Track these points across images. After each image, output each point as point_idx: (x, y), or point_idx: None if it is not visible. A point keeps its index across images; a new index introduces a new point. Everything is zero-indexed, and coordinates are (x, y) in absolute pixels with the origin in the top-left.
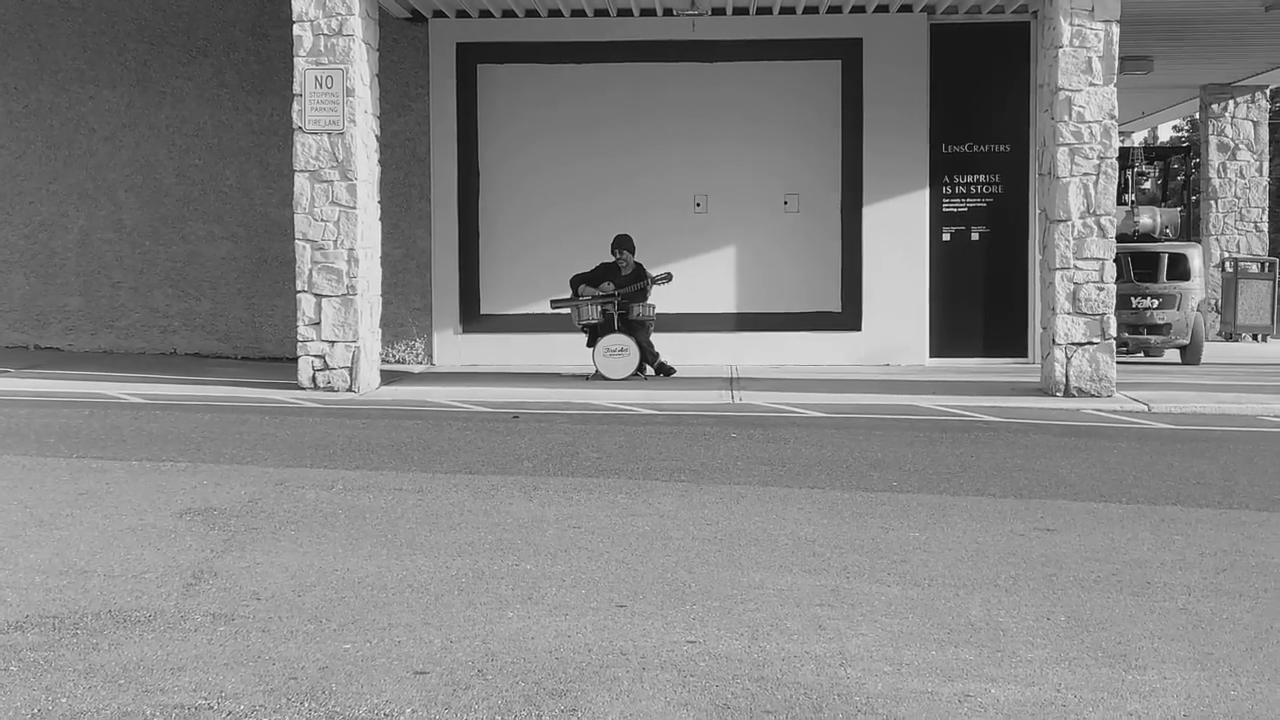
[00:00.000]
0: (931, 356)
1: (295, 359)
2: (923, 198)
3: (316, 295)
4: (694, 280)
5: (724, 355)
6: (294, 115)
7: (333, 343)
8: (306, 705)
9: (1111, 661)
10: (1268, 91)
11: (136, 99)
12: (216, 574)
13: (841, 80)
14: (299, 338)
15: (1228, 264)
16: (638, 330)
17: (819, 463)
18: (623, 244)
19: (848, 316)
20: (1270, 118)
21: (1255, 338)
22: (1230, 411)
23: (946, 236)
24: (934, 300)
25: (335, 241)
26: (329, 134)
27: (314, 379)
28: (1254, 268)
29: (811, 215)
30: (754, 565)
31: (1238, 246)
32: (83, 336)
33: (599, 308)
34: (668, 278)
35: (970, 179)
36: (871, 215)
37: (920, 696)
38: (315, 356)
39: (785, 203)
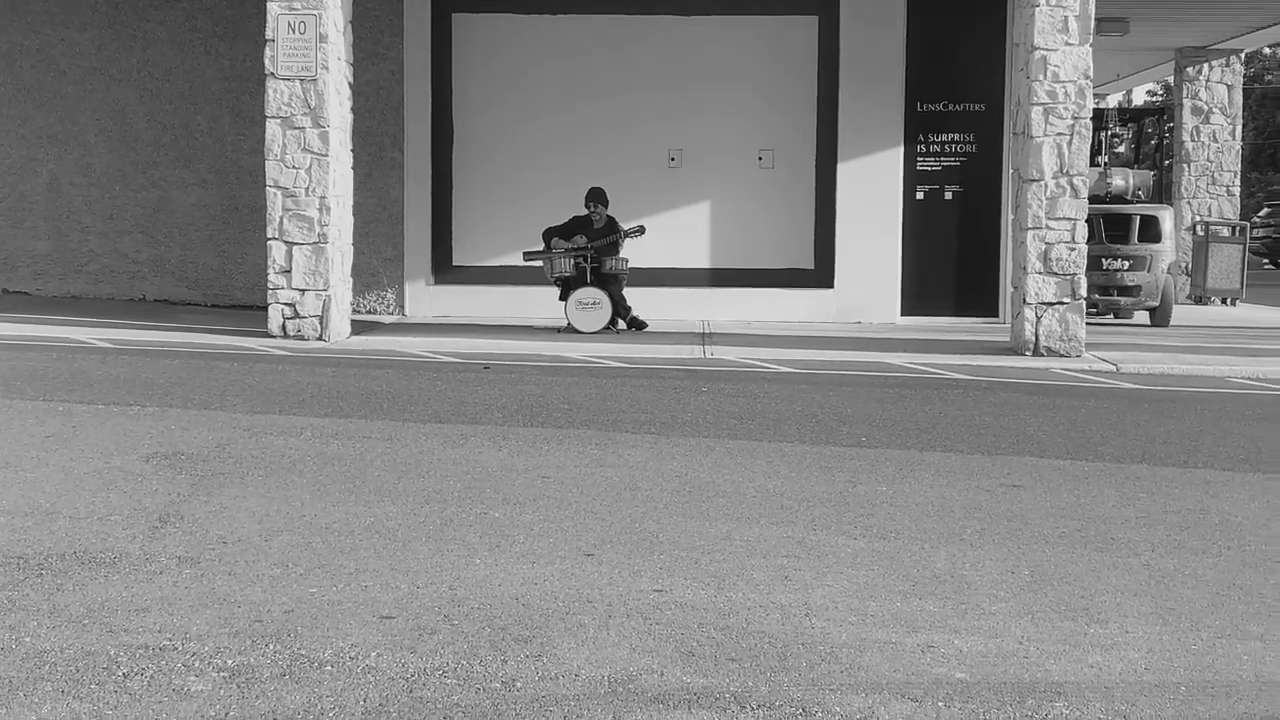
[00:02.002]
0: (903, 315)
1: (265, 307)
2: (897, 156)
3: (287, 243)
4: (667, 235)
5: (696, 310)
6: (266, 61)
7: (303, 291)
8: (271, 647)
9: (1074, 615)
10: (1242, 55)
11: (107, 42)
12: (183, 518)
13: (818, 36)
14: (269, 285)
15: (1199, 227)
16: (610, 284)
17: (788, 417)
18: (596, 197)
19: (820, 274)
20: (1244, 82)
21: (1224, 301)
22: (1197, 373)
23: (920, 195)
24: (906, 259)
25: (307, 189)
26: (301, 80)
27: (284, 327)
28: (1225, 231)
29: (786, 172)
30: (721, 517)
31: (1209, 210)
32: (51, 281)
33: (571, 260)
34: (641, 231)
35: (945, 138)
36: (846, 173)
37: (884, 647)
38: (285, 304)
39: (760, 159)
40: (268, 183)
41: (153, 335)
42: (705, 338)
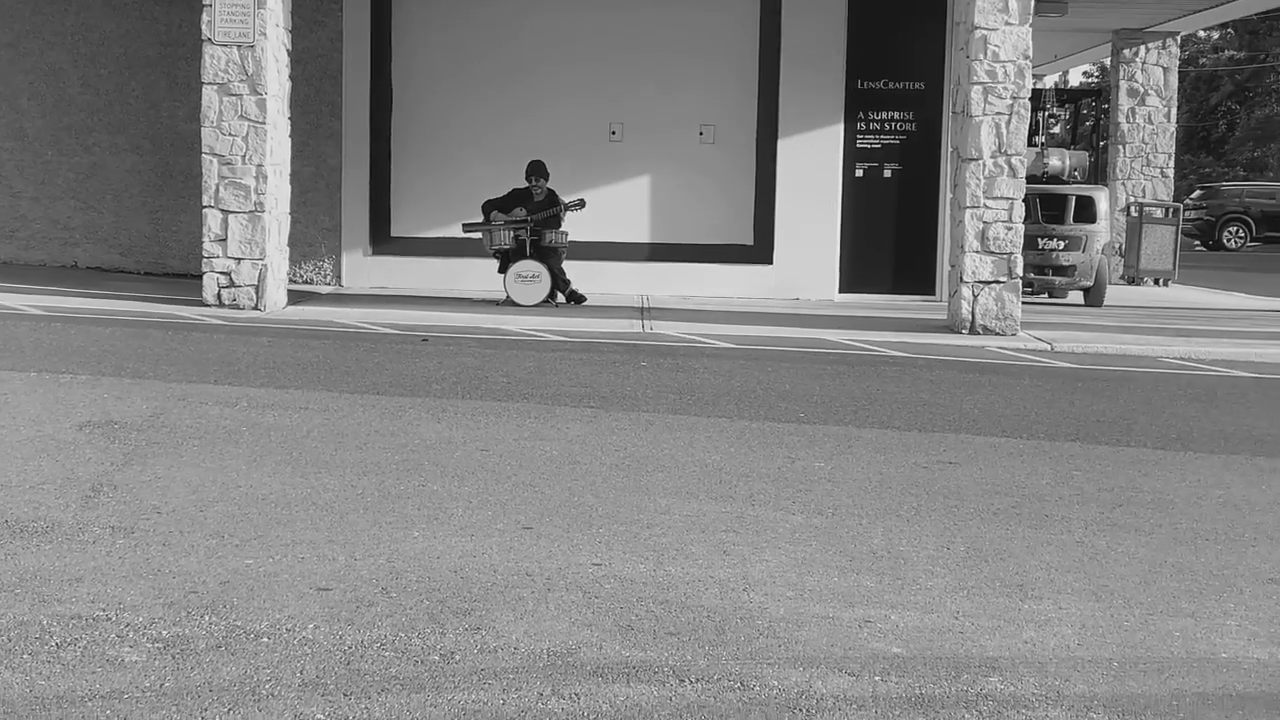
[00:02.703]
0: (841, 292)
1: (200, 275)
2: (837, 133)
3: (223, 211)
4: (608, 209)
5: (636, 285)
6: (203, 26)
7: (239, 260)
8: (206, 619)
9: (1009, 591)
10: (1179, 38)
11: (42, 5)
12: (116, 487)
13: (760, 12)
14: (204, 254)
15: (1133, 208)
16: (550, 257)
17: (727, 392)
18: (537, 170)
19: (759, 250)
20: (1180, 65)
21: (1157, 282)
22: (1131, 352)
23: (859, 173)
24: (845, 236)
25: (244, 157)
26: (239, 46)
27: (219, 296)
28: (1158, 213)
29: (726, 147)
30: (661, 491)
31: (1143, 191)
32: None
33: (511, 233)
34: (581, 204)
35: (885, 115)
36: (786, 149)
37: (821, 621)
38: (220, 273)
39: (700, 134)
40: (204, 150)
41: (85, 303)
42: (645, 312)
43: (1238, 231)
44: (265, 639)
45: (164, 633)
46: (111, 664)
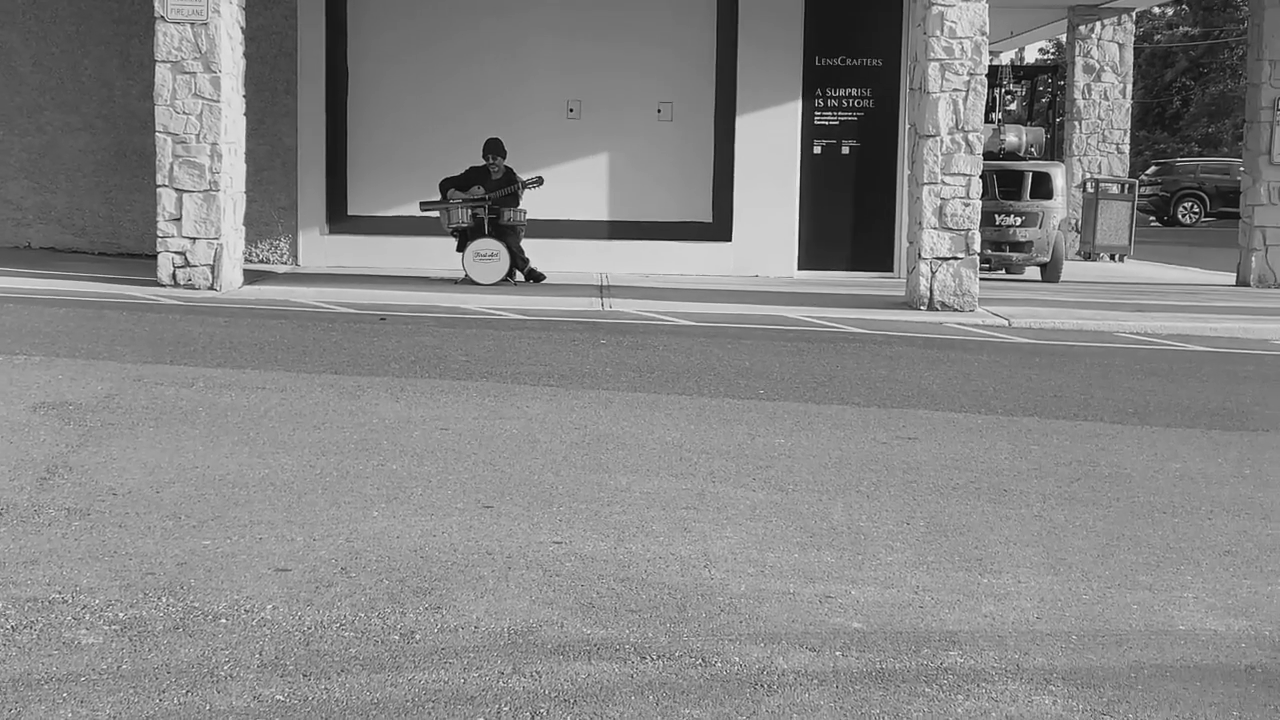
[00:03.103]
0: (800, 268)
1: (155, 255)
2: (795, 110)
3: (178, 190)
4: (566, 187)
5: (595, 263)
6: (156, 4)
7: (194, 239)
8: (164, 600)
9: (968, 565)
10: (1134, 14)
11: None
12: (72, 469)
13: None
14: (159, 234)
15: (1089, 184)
16: (508, 235)
17: (687, 370)
18: (494, 148)
19: (718, 227)
20: (1135, 41)
21: (1113, 257)
22: (1087, 327)
23: (817, 150)
24: (804, 213)
25: (198, 135)
26: (192, 24)
27: (174, 276)
28: (1114, 189)
29: (684, 124)
30: (621, 469)
31: (1099, 168)
32: None
33: (469, 211)
34: (539, 181)
35: (842, 92)
36: (744, 126)
37: (782, 597)
38: (176, 253)
39: (659, 111)
40: (158, 129)
41: (39, 283)
42: (604, 290)
43: (1192, 207)
44: (223, 620)
45: (121, 614)
46: (68, 646)
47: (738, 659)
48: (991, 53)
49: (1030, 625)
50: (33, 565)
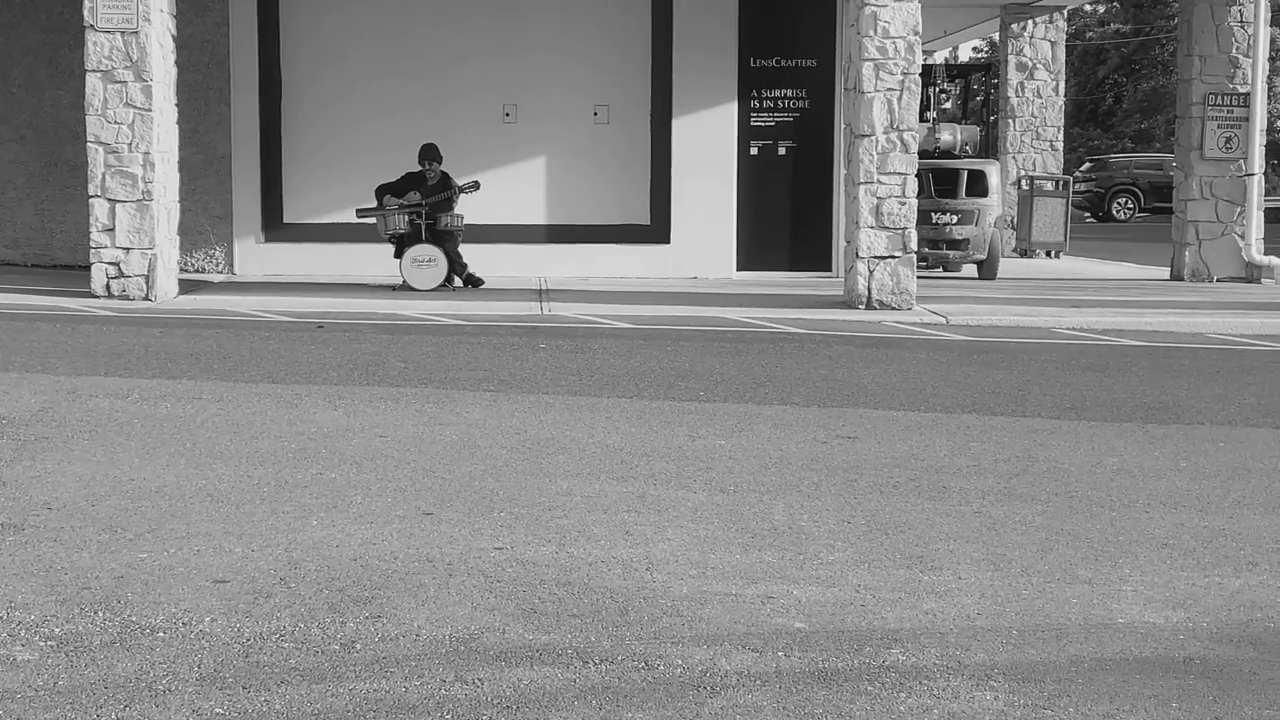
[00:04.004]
0: (739, 270)
1: (88, 267)
2: (731, 111)
3: (111, 200)
4: (503, 191)
5: (533, 267)
6: (85, 12)
7: (128, 250)
8: (100, 615)
9: (909, 563)
10: (1065, 12)
11: None
12: (5, 483)
13: None
14: (92, 244)
15: (1024, 182)
16: (445, 241)
17: (627, 373)
18: (429, 154)
19: (656, 229)
20: (1067, 39)
21: (1048, 254)
22: (1024, 324)
23: (754, 151)
24: (742, 214)
25: (130, 145)
26: (122, 33)
27: (108, 287)
28: (1049, 186)
29: (621, 127)
30: (562, 473)
31: (1034, 165)
32: None
33: (406, 217)
34: (475, 186)
35: (778, 93)
36: (681, 128)
37: (724, 599)
38: (109, 264)
39: (595, 114)
40: (89, 139)
41: None
42: (543, 294)
43: (1126, 203)
44: (161, 634)
45: (57, 630)
46: (3, 663)
47: (680, 662)
48: (925, 52)
49: (971, 621)
50: None
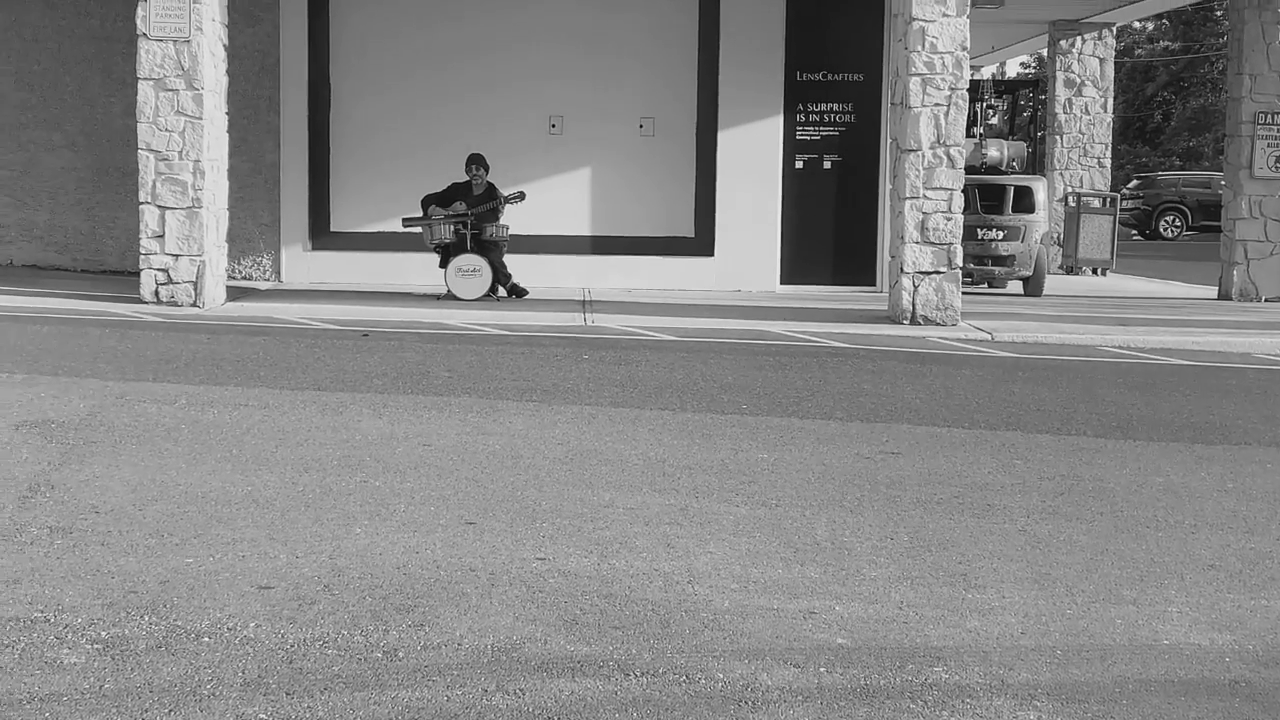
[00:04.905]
0: (782, 283)
1: (137, 273)
2: (777, 125)
3: (160, 207)
4: (548, 202)
5: (577, 278)
6: (138, 21)
7: (177, 256)
8: (147, 619)
9: (952, 580)
10: (1114, 29)
11: None
12: (54, 487)
13: (699, 4)
14: (142, 251)
15: (1071, 198)
16: (490, 250)
17: (670, 385)
18: (476, 162)
19: (701, 242)
20: (1116, 55)
21: (1095, 271)
22: (1070, 341)
23: (799, 164)
24: (786, 228)
25: (180, 152)
26: (175, 41)
27: (157, 293)
28: (1096, 203)
29: (666, 139)
30: (604, 484)
31: (1081, 181)
32: None
33: (451, 227)
34: (520, 196)
35: (824, 107)
36: (726, 141)
37: (766, 613)
38: (158, 270)
39: (641, 126)
40: (140, 146)
41: (21, 301)
42: (586, 305)
43: (1174, 221)
44: (206, 638)
45: (103, 634)
46: (50, 666)
47: (721, 676)
48: (973, 67)
49: (1015, 640)
50: (15, 584)
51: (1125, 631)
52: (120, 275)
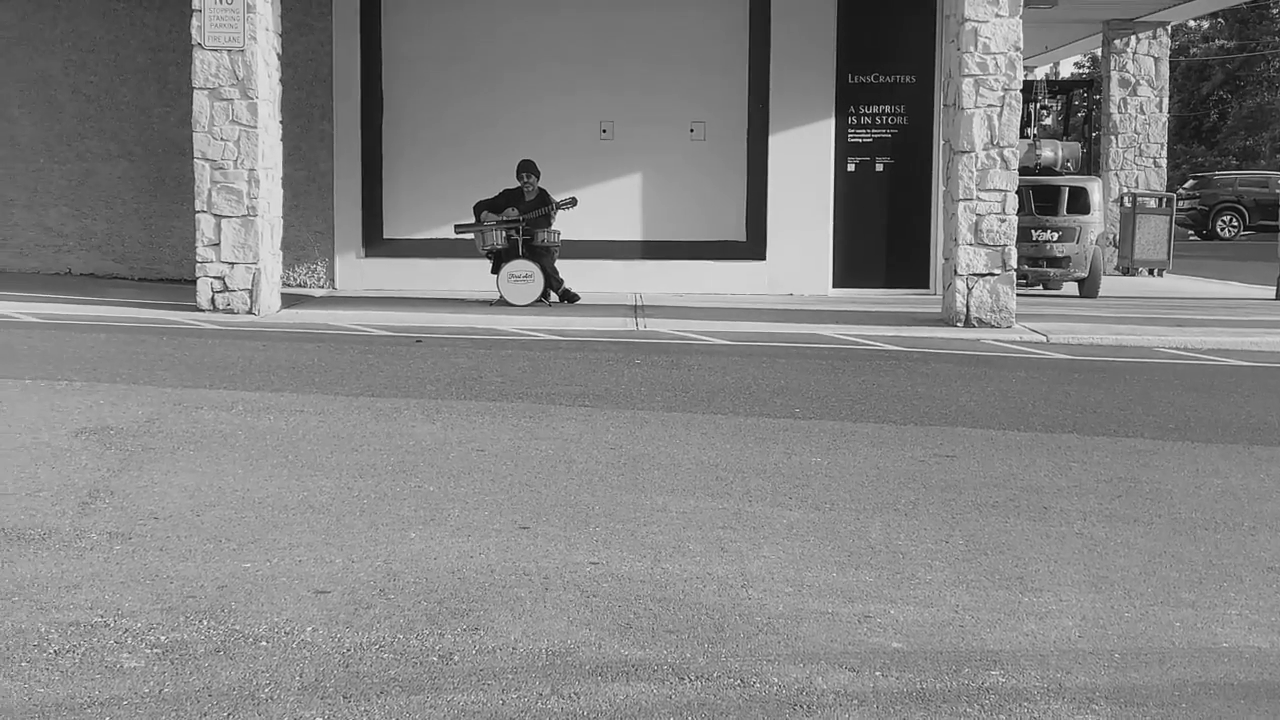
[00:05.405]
0: (835, 286)
1: (194, 281)
2: (828, 128)
3: (216, 216)
4: (599, 207)
5: (628, 283)
6: (193, 31)
7: (233, 264)
8: (205, 623)
9: (1008, 584)
10: (1169, 28)
11: (30, 13)
12: (113, 493)
13: (749, 8)
14: (198, 259)
15: (1126, 199)
16: (542, 256)
17: (722, 389)
18: (528, 169)
19: (752, 246)
20: (1171, 54)
21: (1151, 272)
22: (1126, 343)
23: (851, 167)
24: (838, 231)
25: (235, 161)
26: (229, 51)
27: (213, 301)
28: (1152, 203)
29: (717, 144)
30: (657, 489)
31: (1136, 182)
32: None
33: (503, 233)
34: (572, 202)
35: (876, 109)
36: (777, 145)
37: (820, 617)
38: (214, 278)
39: (691, 130)
40: (195, 155)
41: (80, 309)
42: (638, 310)
43: (1231, 220)
44: (264, 642)
45: (162, 638)
46: (110, 670)
47: (776, 679)
48: (1026, 67)
49: (1072, 644)
50: (75, 589)
51: (1184, 634)
52: (177, 283)
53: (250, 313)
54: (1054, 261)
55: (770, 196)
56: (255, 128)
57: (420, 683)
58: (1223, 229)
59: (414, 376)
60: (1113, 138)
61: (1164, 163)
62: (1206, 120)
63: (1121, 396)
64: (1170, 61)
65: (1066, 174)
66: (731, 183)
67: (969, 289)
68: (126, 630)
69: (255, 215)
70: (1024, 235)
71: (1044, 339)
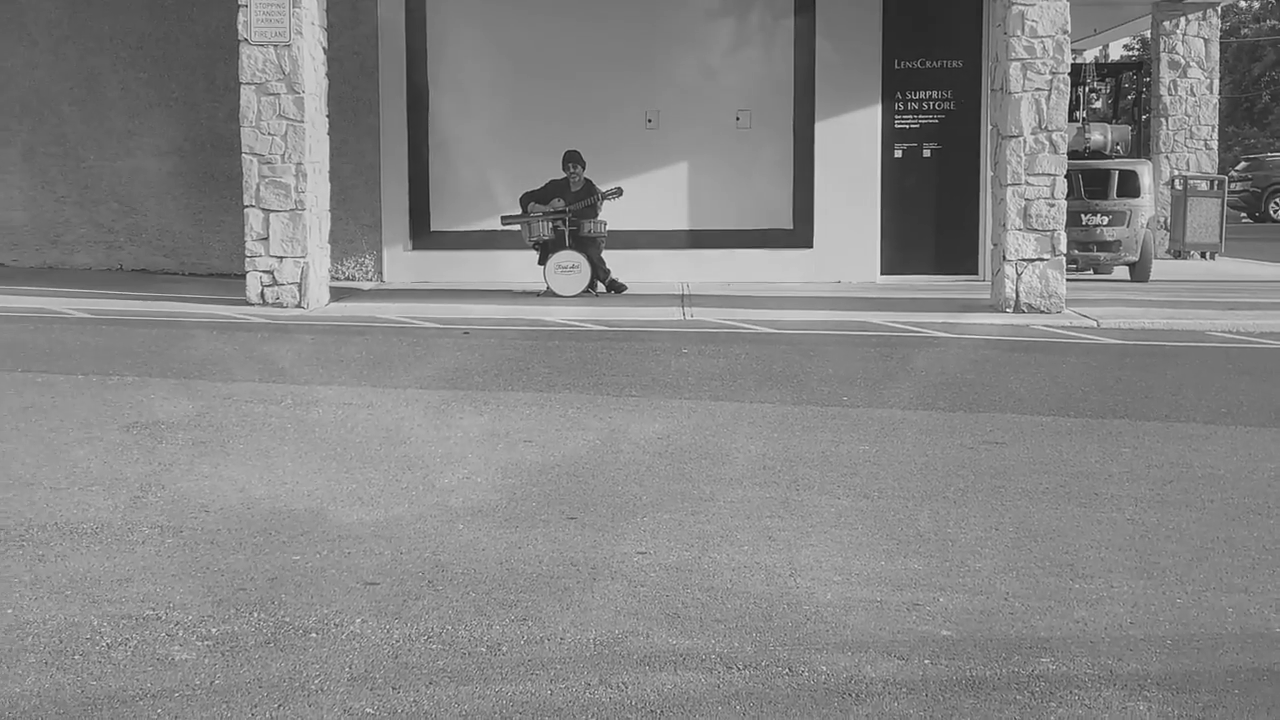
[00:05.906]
0: (883, 273)
1: (243, 275)
2: (875, 114)
3: (264, 210)
4: (646, 197)
5: (675, 272)
6: (240, 27)
7: (281, 258)
8: (255, 615)
9: (1059, 571)
10: (1219, 9)
11: (80, 10)
12: (164, 487)
13: None
14: (247, 253)
15: (1177, 182)
16: (589, 247)
17: (770, 378)
18: (573, 159)
19: (799, 234)
20: (1221, 35)
21: (1203, 255)
22: (1178, 327)
23: (898, 153)
24: (885, 217)
25: (283, 156)
26: (275, 46)
27: (262, 295)
28: (1203, 185)
29: (763, 132)
30: (704, 478)
31: (1187, 164)
32: (27, 252)
33: (550, 224)
34: (618, 192)
35: (923, 95)
36: (823, 132)
37: (869, 605)
38: (263, 272)
39: (737, 119)
40: (244, 150)
41: (130, 305)
42: (685, 299)
43: None
44: (314, 634)
45: (213, 630)
46: (162, 663)
47: (825, 668)
48: (1074, 50)
49: (1123, 630)
50: (127, 583)
51: (1236, 620)
52: (227, 278)
53: (299, 306)
54: (1104, 246)
55: (817, 184)
56: (302, 122)
57: (469, 673)
58: (1276, 211)
59: (462, 368)
60: (1163, 120)
61: (1215, 145)
62: (1259, 101)
63: (1173, 381)
64: (1221, 43)
65: (1116, 157)
66: (778, 171)
67: (1018, 274)
68: (178, 623)
69: (303, 209)
70: (1073, 220)
71: (1094, 324)
